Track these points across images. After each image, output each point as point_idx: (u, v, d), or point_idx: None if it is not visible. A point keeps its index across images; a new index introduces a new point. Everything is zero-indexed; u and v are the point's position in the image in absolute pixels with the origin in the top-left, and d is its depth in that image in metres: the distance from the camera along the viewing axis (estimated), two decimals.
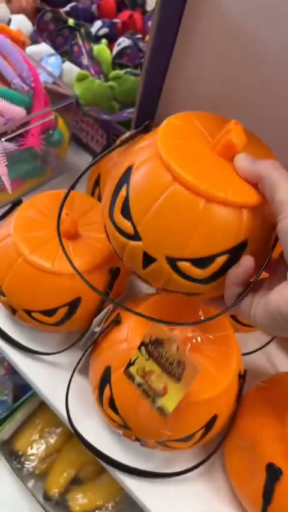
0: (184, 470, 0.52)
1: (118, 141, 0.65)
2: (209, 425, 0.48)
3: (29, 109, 0.65)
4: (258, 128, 0.61)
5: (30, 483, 0.90)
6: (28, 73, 0.66)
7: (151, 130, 0.47)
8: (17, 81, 0.65)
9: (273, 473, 0.44)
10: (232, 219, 0.37)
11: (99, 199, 0.66)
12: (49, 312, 0.53)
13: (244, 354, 0.64)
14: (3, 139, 0.60)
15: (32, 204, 0.57)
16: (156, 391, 0.44)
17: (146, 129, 0.49)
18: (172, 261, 0.39)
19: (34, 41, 0.84)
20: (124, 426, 0.49)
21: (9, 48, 0.65)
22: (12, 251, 0.52)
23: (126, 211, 0.40)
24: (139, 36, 0.89)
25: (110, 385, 0.49)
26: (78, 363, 0.55)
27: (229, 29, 0.52)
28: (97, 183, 0.66)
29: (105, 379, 0.49)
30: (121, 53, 0.85)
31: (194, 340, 0.46)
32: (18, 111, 0.63)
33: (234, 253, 0.38)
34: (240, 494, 0.51)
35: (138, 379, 0.46)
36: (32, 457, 0.90)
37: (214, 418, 0.48)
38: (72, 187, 0.54)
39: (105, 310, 0.54)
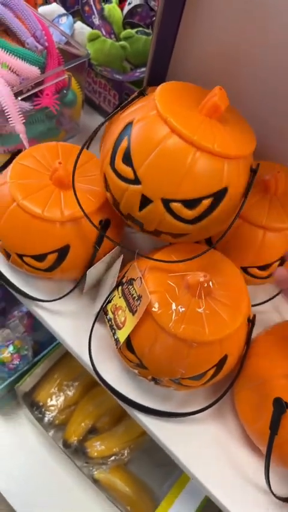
0: (198, 410, 0.55)
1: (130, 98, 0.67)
2: (219, 365, 0.51)
3: (42, 68, 0.66)
4: (267, 87, 0.62)
5: (51, 432, 0.96)
6: (41, 32, 0.67)
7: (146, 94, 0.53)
8: (31, 41, 0.66)
9: (280, 407, 0.48)
10: (217, 167, 0.46)
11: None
12: (39, 257, 0.55)
13: (254, 305, 0.66)
14: (19, 98, 0.62)
15: (30, 153, 0.58)
16: (118, 325, 0.52)
17: (142, 94, 0.52)
18: (166, 202, 0.47)
19: (45, 1, 0.84)
20: (140, 365, 0.52)
21: (22, 7, 0.66)
22: (7, 197, 0.54)
23: (127, 159, 0.47)
24: None
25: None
26: (98, 313, 0.58)
27: None
28: None
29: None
30: (132, 11, 0.85)
31: (205, 285, 0.49)
32: (33, 71, 0.64)
33: (217, 197, 0.47)
34: (249, 430, 0.54)
35: (110, 315, 0.54)
36: (52, 408, 0.96)
37: (225, 358, 0.51)
38: (86, 144, 0.56)
39: (118, 264, 0.57)
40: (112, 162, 0.50)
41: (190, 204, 0.47)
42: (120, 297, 0.53)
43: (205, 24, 0.63)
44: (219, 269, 0.54)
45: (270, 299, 0.67)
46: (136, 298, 0.50)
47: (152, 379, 0.53)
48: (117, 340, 0.52)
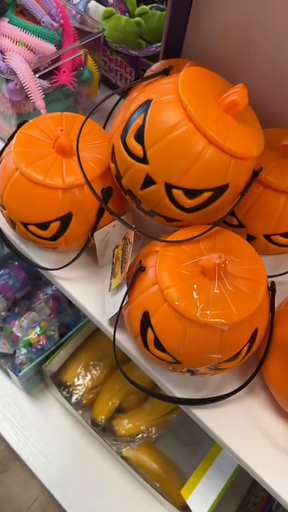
0: (239, 388, 0.54)
1: (148, 72, 0.67)
2: (251, 340, 0.50)
3: (59, 46, 0.67)
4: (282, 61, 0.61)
5: (79, 412, 0.98)
6: (57, 10, 0.67)
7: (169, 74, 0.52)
8: (47, 19, 0.66)
9: None
10: (224, 163, 0.47)
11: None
12: (43, 225, 0.56)
13: (279, 275, 0.65)
14: (37, 75, 0.63)
15: (34, 123, 0.59)
16: (114, 272, 0.55)
17: (166, 73, 0.52)
18: (169, 187, 0.48)
19: None
20: (174, 362, 0.50)
21: None
22: (11, 165, 0.55)
23: (139, 137, 0.48)
24: None
25: (152, 328, 0.50)
26: (125, 296, 0.58)
27: None
28: None
29: (145, 323, 0.51)
30: None
31: (222, 265, 0.48)
32: (49, 48, 0.65)
33: (217, 192, 0.48)
34: (281, 396, 0.54)
35: (113, 259, 0.57)
36: (79, 388, 0.97)
37: (255, 332, 0.50)
38: (90, 113, 0.56)
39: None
40: (123, 136, 0.50)
41: (191, 193, 0.48)
42: (121, 249, 0.54)
43: None
44: (227, 244, 0.53)
45: None
46: (124, 260, 0.52)
47: (187, 371, 0.52)
48: (110, 285, 0.55)
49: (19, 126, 0.59)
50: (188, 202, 0.49)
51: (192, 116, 0.45)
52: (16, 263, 1.03)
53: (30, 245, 0.65)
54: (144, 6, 0.80)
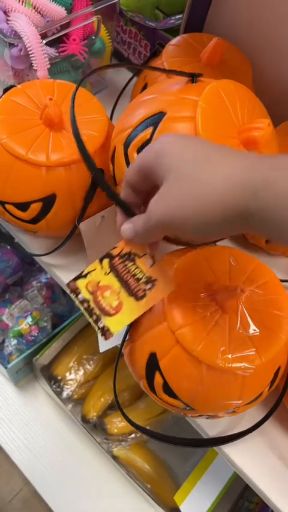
0: (259, 422, 0.49)
1: (167, 46, 0.60)
2: (273, 379, 0.45)
3: (69, 10, 0.60)
4: None
5: (69, 406, 0.93)
6: None
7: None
8: None
9: None
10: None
11: None
12: (22, 206, 0.50)
13: None
14: (43, 41, 0.55)
15: (22, 89, 0.51)
16: (105, 310, 0.40)
17: (192, 80, 0.46)
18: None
19: None
20: (187, 408, 0.45)
21: None
22: None
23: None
24: None
25: (161, 372, 0.43)
26: None
27: None
28: None
29: (152, 366, 0.44)
30: None
31: (242, 299, 0.42)
32: (59, 11, 0.58)
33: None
34: None
35: (84, 294, 0.40)
36: (71, 382, 0.92)
37: (278, 370, 0.45)
38: (81, 82, 0.49)
39: None
40: (126, 145, 0.45)
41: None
42: (107, 274, 0.41)
43: None
44: (244, 269, 0.45)
45: None
46: (142, 280, 0.40)
47: (199, 416, 0.47)
48: (104, 330, 0.40)
49: (5, 91, 0.51)
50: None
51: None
52: (8, 247, 0.97)
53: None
54: None
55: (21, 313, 0.91)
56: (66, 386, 0.92)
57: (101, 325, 0.40)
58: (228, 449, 0.50)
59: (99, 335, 0.40)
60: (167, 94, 0.45)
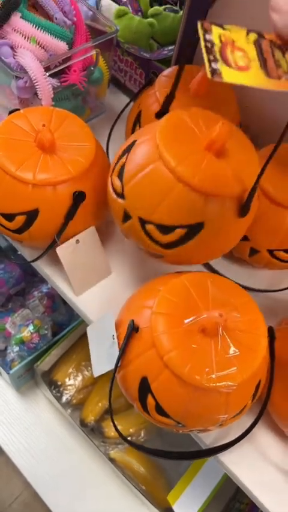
0: (246, 431, 0.54)
1: (159, 77, 0.66)
2: (255, 392, 0.49)
3: (70, 44, 0.66)
4: None
5: (68, 411, 0.98)
6: (70, 7, 0.66)
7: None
8: (60, 16, 0.65)
9: None
10: (194, 201, 0.47)
11: None
12: (8, 217, 0.55)
13: (280, 290, 0.66)
14: (47, 73, 0.61)
15: (24, 114, 0.57)
16: (228, 61, 0.36)
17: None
18: (142, 222, 0.50)
19: None
20: (178, 425, 0.49)
21: None
22: None
23: (121, 175, 0.51)
24: None
25: (153, 395, 0.47)
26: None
27: None
28: (138, 119, 0.66)
29: (144, 390, 0.48)
30: None
31: (223, 324, 0.45)
32: (61, 46, 0.63)
33: (192, 229, 0.49)
34: (279, 417, 0.54)
35: (214, 38, 0.37)
36: (70, 388, 0.97)
37: (258, 384, 0.49)
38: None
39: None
40: (112, 174, 0.53)
41: (164, 229, 0.49)
42: (248, 42, 0.38)
43: (237, 4, 0.61)
44: (222, 293, 0.50)
45: None
46: (284, 69, 0.37)
47: (192, 430, 0.51)
48: (215, 71, 0.35)
49: (10, 113, 0.58)
50: (163, 238, 0.50)
51: (162, 153, 0.47)
52: (12, 257, 1.02)
53: None
54: (157, 7, 0.79)
55: (23, 322, 0.96)
56: (66, 391, 0.97)
57: (214, 66, 0.35)
58: (223, 457, 0.54)
59: (208, 74, 0.35)
60: (142, 129, 0.53)
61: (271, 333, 0.51)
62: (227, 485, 0.92)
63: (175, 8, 0.81)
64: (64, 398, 0.96)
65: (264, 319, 0.49)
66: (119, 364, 0.49)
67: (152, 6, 0.82)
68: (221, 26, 0.38)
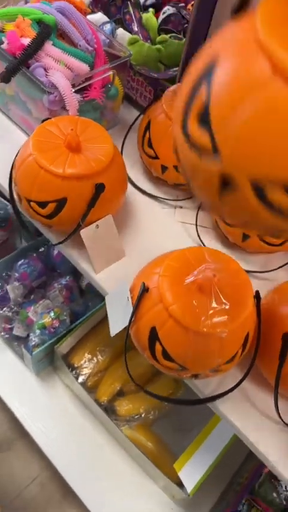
0: (240, 381, 0.63)
1: (166, 92, 0.78)
2: (244, 343, 0.59)
3: (91, 66, 0.79)
4: None
5: (84, 393, 1.07)
6: (92, 36, 0.79)
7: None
8: (83, 43, 0.78)
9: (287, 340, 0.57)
10: None
11: (150, 143, 0.79)
12: (42, 204, 0.66)
13: (268, 271, 0.76)
14: (73, 90, 0.74)
15: (54, 122, 0.70)
16: None
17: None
18: (259, 189, 0.30)
19: (92, 11, 0.97)
20: (181, 369, 0.58)
21: (76, 15, 0.79)
22: (28, 150, 0.66)
23: (206, 118, 0.31)
24: (182, 4, 1.00)
25: (160, 341, 0.57)
26: None
27: None
28: (147, 128, 0.79)
29: (153, 338, 0.57)
30: (166, 20, 0.97)
31: (216, 280, 0.55)
32: (84, 68, 0.77)
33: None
34: (264, 369, 0.64)
35: None
36: (86, 370, 1.07)
37: (247, 336, 0.59)
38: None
39: None
40: (184, 124, 0.34)
41: None
42: None
43: None
44: (217, 262, 0.59)
45: (283, 265, 0.76)
46: None
47: (191, 376, 0.60)
48: None
49: (42, 121, 0.71)
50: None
51: (285, 65, 0.27)
52: (34, 254, 1.14)
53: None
54: (164, 36, 0.92)
55: (44, 310, 1.07)
56: (82, 373, 1.07)
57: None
58: (220, 405, 0.64)
59: None
60: (213, 43, 0.34)
61: (258, 295, 0.61)
62: (231, 461, 1.00)
63: (179, 36, 0.94)
64: (80, 379, 1.06)
65: (251, 284, 0.60)
66: (132, 319, 0.59)
67: (159, 34, 0.96)
68: None
